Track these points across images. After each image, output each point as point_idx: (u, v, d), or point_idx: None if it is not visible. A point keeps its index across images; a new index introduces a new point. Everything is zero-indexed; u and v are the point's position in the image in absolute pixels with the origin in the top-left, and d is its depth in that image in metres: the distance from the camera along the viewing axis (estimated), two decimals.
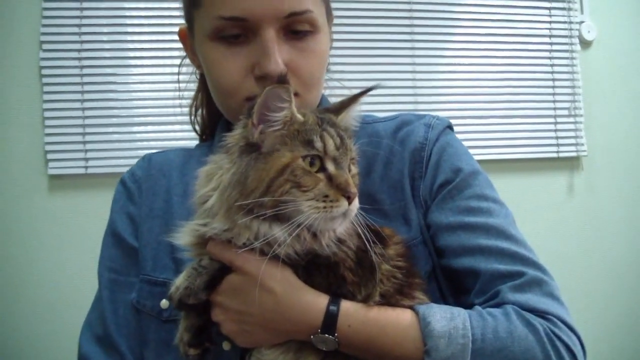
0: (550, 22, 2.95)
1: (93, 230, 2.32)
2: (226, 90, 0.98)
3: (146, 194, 1.07)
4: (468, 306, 0.85)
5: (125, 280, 1.02)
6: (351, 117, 0.89)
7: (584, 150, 2.93)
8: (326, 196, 0.75)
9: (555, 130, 2.92)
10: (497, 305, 0.83)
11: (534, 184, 2.90)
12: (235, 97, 0.97)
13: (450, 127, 1.06)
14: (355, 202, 0.78)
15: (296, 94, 0.94)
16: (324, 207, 0.74)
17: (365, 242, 0.79)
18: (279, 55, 0.92)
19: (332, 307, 0.77)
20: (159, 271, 0.99)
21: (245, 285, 0.79)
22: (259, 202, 0.73)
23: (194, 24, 1.01)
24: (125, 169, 2.39)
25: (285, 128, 0.77)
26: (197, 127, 1.23)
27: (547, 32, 2.94)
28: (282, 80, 0.75)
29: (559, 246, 2.87)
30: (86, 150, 2.44)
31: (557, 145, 2.91)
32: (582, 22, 2.96)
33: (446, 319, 0.79)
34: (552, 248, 2.82)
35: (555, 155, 2.91)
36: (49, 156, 2.41)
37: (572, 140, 2.93)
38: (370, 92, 0.88)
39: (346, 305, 0.78)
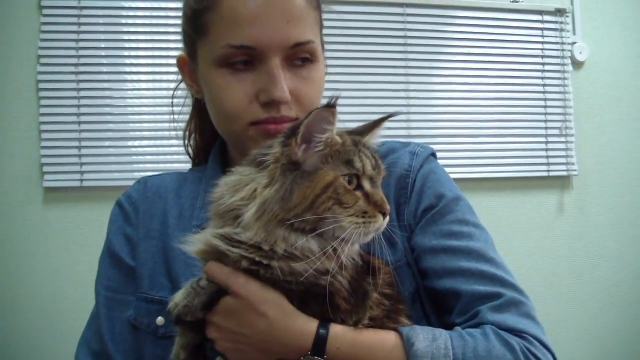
0: (542, 43, 2.99)
1: (88, 242, 2.36)
2: (231, 114, 1.00)
3: (143, 215, 1.10)
4: (450, 325, 0.89)
5: (122, 298, 1.05)
6: (374, 139, 0.93)
7: (575, 170, 2.97)
8: (365, 212, 0.80)
9: (546, 150, 2.96)
10: (477, 325, 0.86)
11: (524, 202, 2.93)
12: (240, 121, 1.00)
13: (433, 154, 1.09)
14: (387, 219, 0.83)
15: (297, 119, 0.98)
16: (364, 223, 0.79)
17: (361, 272, 0.84)
18: (284, 82, 0.96)
19: (322, 331, 0.80)
20: (156, 290, 1.02)
21: (239, 308, 0.81)
22: (302, 217, 0.77)
23: (198, 51, 1.04)
24: (120, 183, 2.39)
25: (326, 148, 0.81)
26: (191, 152, 1.26)
27: (539, 52, 2.99)
28: (330, 104, 0.78)
29: (549, 265, 2.89)
30: (82, 164, 2.47)
31: (548, 164, 2.95)
32: (574, 43, 3.01)
33: (429, 339, 0.82)
34: (542, 267, 2.85)
35: (545, 174, 2.94)
36: (45, 169, 2.43)
37: (563, 160, 2.97)
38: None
39: (335, 329, 0.81)
